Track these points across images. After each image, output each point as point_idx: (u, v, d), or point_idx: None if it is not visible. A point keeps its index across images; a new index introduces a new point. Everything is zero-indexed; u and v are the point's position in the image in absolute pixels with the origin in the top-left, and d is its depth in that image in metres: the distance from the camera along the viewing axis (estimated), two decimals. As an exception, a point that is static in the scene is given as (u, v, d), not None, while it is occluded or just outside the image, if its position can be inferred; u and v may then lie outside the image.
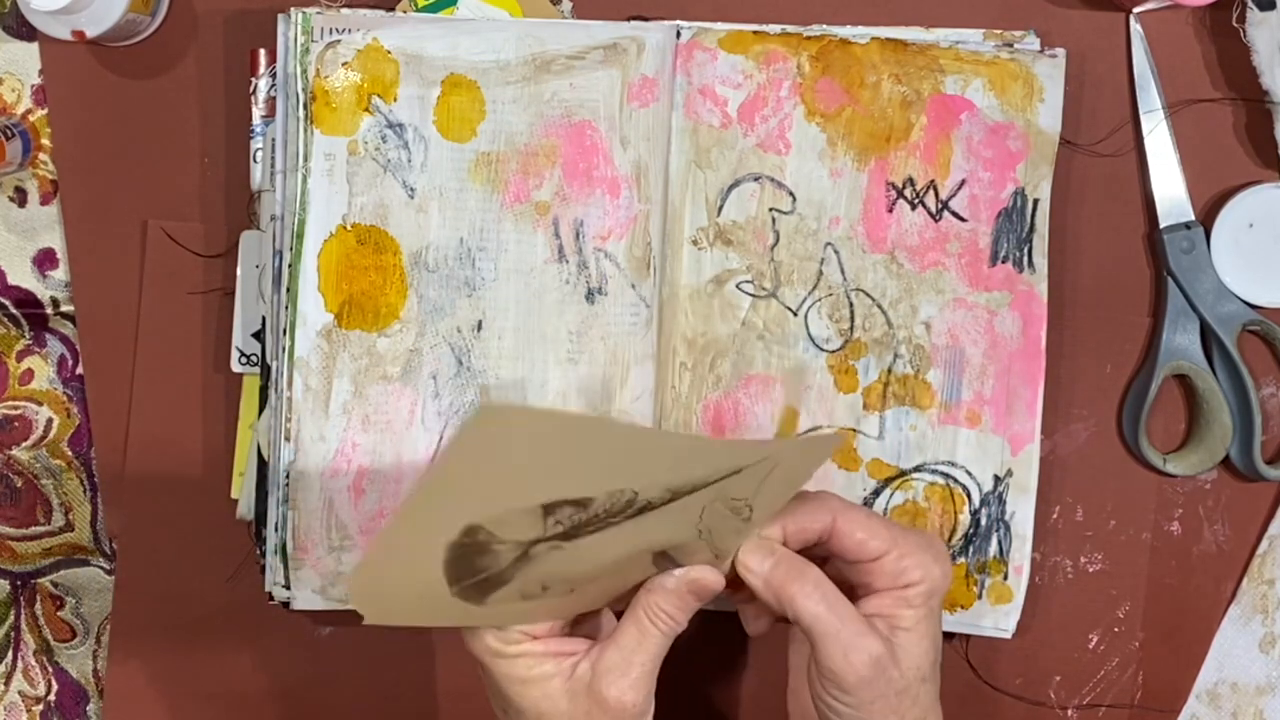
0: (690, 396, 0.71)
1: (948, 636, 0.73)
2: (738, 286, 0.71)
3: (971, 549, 0.71)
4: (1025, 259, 0.70)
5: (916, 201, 0.71)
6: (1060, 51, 0.70)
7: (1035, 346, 0.70)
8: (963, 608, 0.71)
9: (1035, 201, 0.70)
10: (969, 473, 0.71)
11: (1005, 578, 0.71)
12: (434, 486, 0.52)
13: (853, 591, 0.59)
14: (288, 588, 0.71)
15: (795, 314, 0.71)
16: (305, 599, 0.71)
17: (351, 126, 0.70)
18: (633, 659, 0.57)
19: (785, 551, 0.58)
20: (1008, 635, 0.71)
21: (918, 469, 0.71)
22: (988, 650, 0.73)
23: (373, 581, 0.54)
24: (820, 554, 0.60)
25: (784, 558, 0.58)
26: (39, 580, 0.78)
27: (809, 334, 0.71)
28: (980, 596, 0.71)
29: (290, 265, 0.70)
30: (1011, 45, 0.70)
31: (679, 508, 0.55)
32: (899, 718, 0.56)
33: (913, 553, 0.58)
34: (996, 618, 0.71)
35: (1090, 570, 0.73)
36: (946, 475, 0.71)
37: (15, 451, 0.77)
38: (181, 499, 0.75)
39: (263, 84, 0.73)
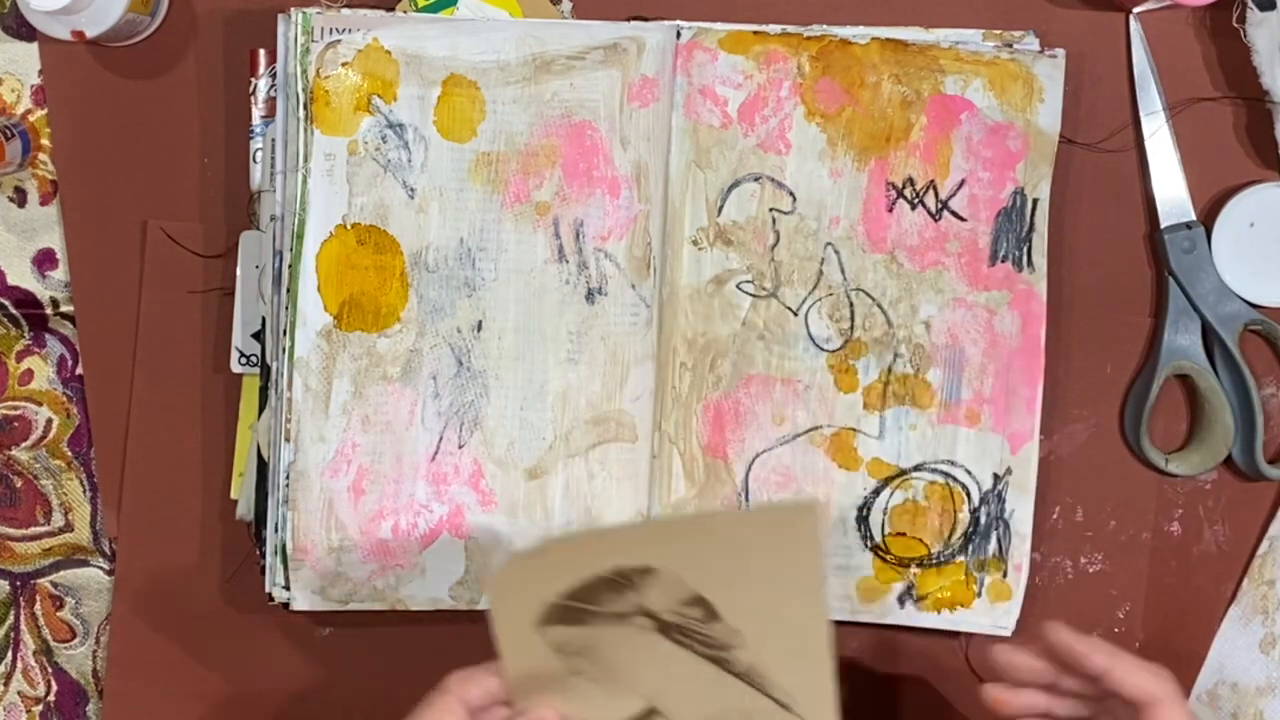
0: (690, 396, 0.71)
1: (947, 635, 0.73)
2: (738, 286, 0.71)
3: (971, 547, 0.71)
4: (1025, 258, 0.70)
5: (916, 201, 0.71)
6: (1060, 51, 0.70)
7: (1034, 345, 0.70)
8: (962, 606, 0.71)
9: (1035, 201, 0.70)
10: (968, 471, 0.71)
11: (1005, 575, 0.71)
12: (716, 522, 0.60)
13: None
14: (287, 588, 0.71)
15: (795, 314, 0.71)
16: (305, 599, 0.71)
17: (351, 126, 0.70)
18: None
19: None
20: (1007, 633, 0.71)
21: (917, 468, 0.71)
22: (988, 650, 0.73)
23: (528, 564, 0.59)
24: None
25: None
26: (39, 580, 0.78)
27: (809, 334, 0.71)
28: (980, 595, 0.71)
29: (290, 265, 0.70)
30: (1011, 45, 0.70)
31: (727, 685, 0.60)
32: None
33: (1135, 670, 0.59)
34: (996, 616, 0.71)
35: (1090, 570, 0.73)
36: (946, 474, 0.71)
37: (15, 451, 0.77)
38: (181, 499, 0.75)
39: (263, 84, 0.73)
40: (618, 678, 0.61)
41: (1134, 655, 0.59)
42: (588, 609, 0.59)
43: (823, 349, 0.71)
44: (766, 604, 0.59)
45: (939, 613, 0.71)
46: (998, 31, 0.71)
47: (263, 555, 0.71)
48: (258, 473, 0.72)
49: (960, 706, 0.74)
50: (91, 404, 0.76)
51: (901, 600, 0.71)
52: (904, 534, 0.71)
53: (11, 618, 0.78)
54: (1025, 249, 0.70)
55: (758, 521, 0.60)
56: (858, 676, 0.74)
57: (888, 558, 0.71)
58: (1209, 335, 0.72)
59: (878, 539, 0.71)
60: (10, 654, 0.79)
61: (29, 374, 0.77)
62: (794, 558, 0.58)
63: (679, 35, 0.70)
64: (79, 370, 0.76)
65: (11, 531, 0.78)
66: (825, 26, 0.71)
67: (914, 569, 0.71)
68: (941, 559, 0.71)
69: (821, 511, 0.58)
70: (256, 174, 0.73)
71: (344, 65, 0.69)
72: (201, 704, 0.76)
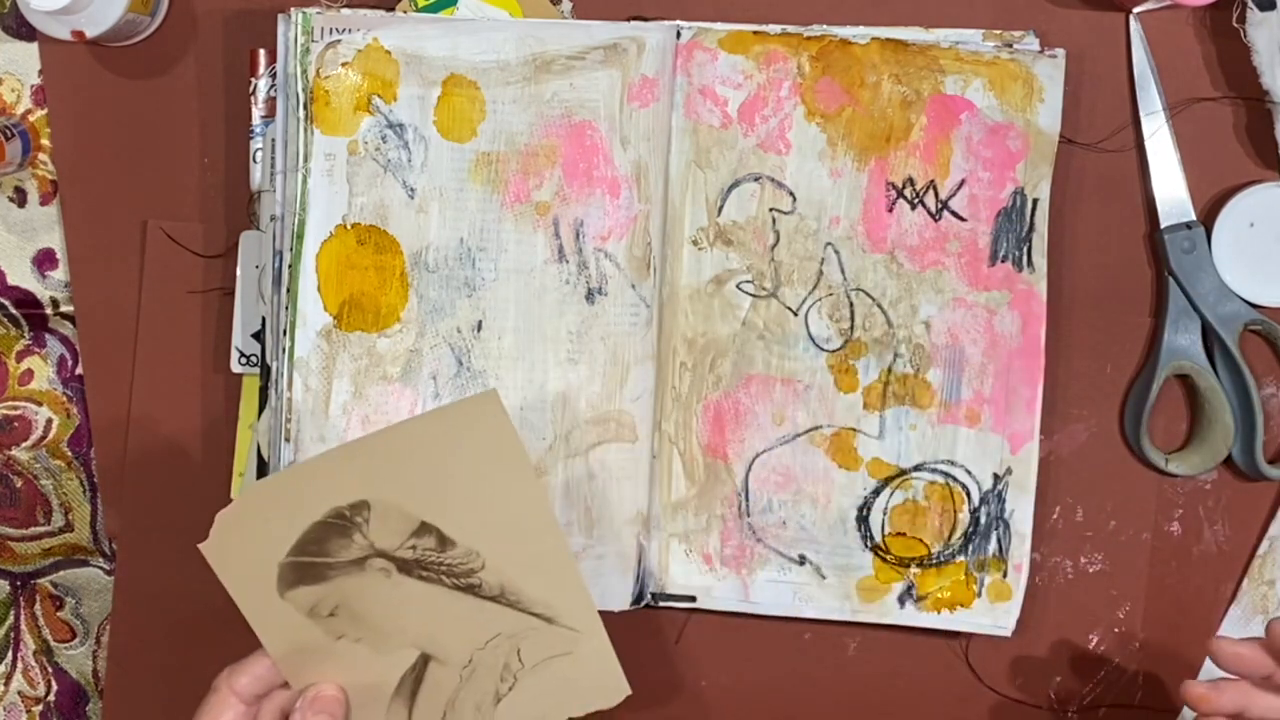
0: (690, 396, 0.71)
1: (947, 635, 0.73)
2: (738, 286, 0.71)
3: (971, 547, 0.71)
4: (1025, 258, 0.70)
5: (916, 201, 0.71)
6: (1060, 51, 0.70)
7: (1034, 345, 0.70)
8: (962, 606, 0.71)
9: (1035, 201, 0.70)
10: (968, 471, 0.71)
11: (1005, 575, 0.71)
12: (389, 438, 0.59)
13: None
14: (287, 588, 0.71)
15: (795, 314, 0.71)
16: (305, 599, 0.71)
17: (351, 126, 0.70)
18: None
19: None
20: (1007, 634, 0.71)
21: (917, 468, 0.71)
22: (988, 651, 0.73)
23: (238, 520, 0.59)
24: None
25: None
26: (39, 580, 0.78)
27: (809, 334, 0.71)
28: (980, 595, 0.71)
29: (290, 265, 0.70)
30: (1011, 45, 0.70)
31: (488, 612, 0.61)
32: None
33: None
34: (996, 616, 0.71)
35: (1090, 570, 0.73)
36: (946, 474, 0.71)
37: (15, 451, 0.77)
38: (181, 499, 0.75)
39: (263, 84, 0.73)
40: (382, 632, 0.61)
41: None
42: (321, 562, 0.60)
43: (823, 349, 0.71)
44: (488, 513, 0.59)
45: (939, 613, 0.71)
46: (998, 31, 0.71)
47: (263, 555, 0.71)
48: (258, 473, 0.72)
49: (960, 706, 0.74)
50: (91, 404, 0.76)
51: (901, 600, 0.71)
52: (904, 534, 0.71)
53: (11, 618, 0.78)
54: (1025, 249, 0.70)
55: (444, 423, 0.59)
56: (858, 676, 0.75)
57: (888, 558, 0.71)
58: (1209, 335, 0.72)
59: (878, 539, 0.71)
60: (10, 654, 0.79)
61: (29, 374, 0.77)
62: (492, 453, 0.59)
63: (679, 35, 0.70)
64: (79, 370, 0.76)
65: (11, 531, 0.78)
66: (825, 26, 0.71)
67: (914, 569, 0.71)
68: (941, 559, 0.71)
69: (499, 398, 0.58)
70: (256, 174, 0.73)
71: (344, 65, 0.69)
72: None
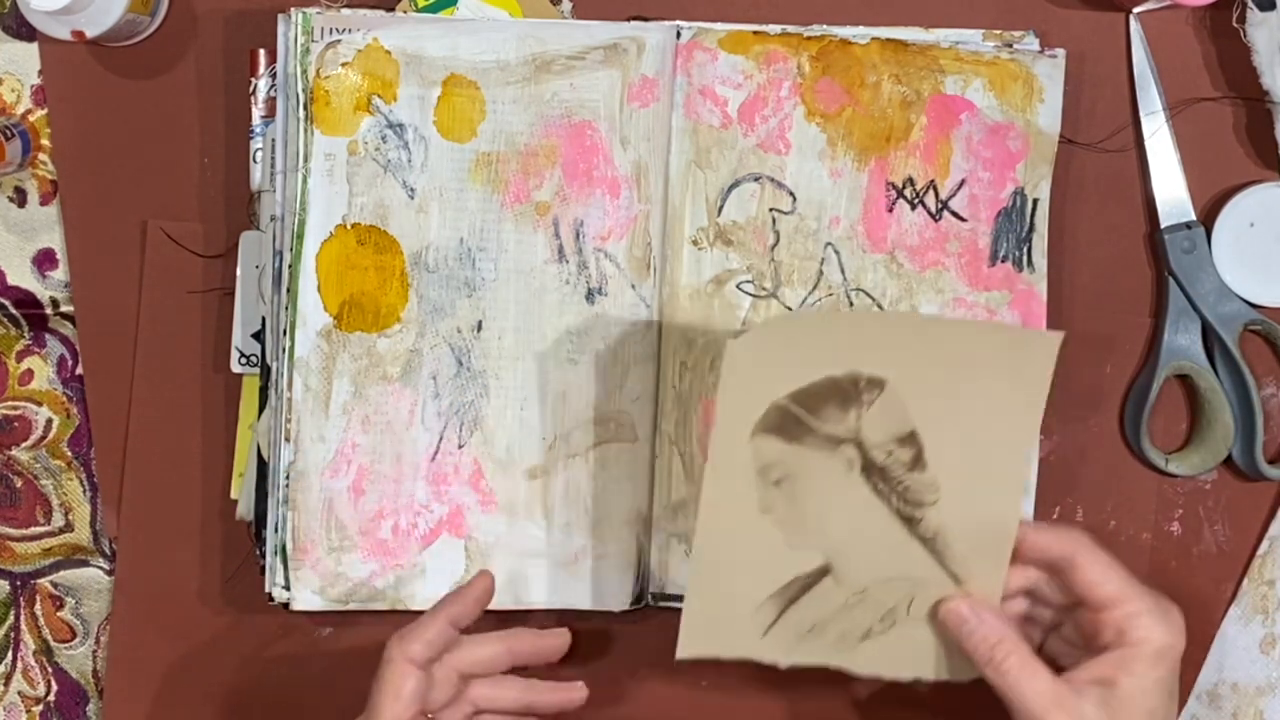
0: (690, 396, 0.71)
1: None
2: (738, 286, 0.71)
3: (972, 548, 0.71)
4: (1025, 258, 0.70)
5: (916, 201, 0.71)
6: (1060, 51, 0.70)
7: (1035, 346, 0.70)
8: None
9: (1035, 201, 0.70)
10: (969, 472, 0.70)
11: (1006, 576, 0.71)
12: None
13: (1075, 653, 0.60)
14: (288, 588, 0.71)
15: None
16: (305, 599, 0.71)
17: (351, 126, 0.70)
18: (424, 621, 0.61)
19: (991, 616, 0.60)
20: (1008, 635, 0.71)
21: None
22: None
23: (772, 337, 0.58)
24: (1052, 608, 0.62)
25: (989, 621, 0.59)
26: (39, 580, 0.78)
27: (809, 334, 0.71)
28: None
29: (290, 265, 0.70)
30: (1011, 45, 0.70)
31: (910, 551, 0.60)
32: None
33: (1142, 612, 0.57)
34: (997, 617, 0.71)
35: (1090, 570, 0.73)
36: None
37: (15, 451, 0.77)
38: (181, 499, 0.75)
39: (263, 84, 0.73)
40: (806, 524, 0.60)
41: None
42: (806, 421, 0.58)
43: (823, 349, 0.71)
44: (976, 455, 0.58)
45: (939, 613, 0.71)
46: (998, 31, 0.71)
47: (263, 555, 0.71)
48: (258, 473, 0.72)
49: (960, 706, 0.74)
50: (91, 404, 0.76)
51: (902, 600, 0.71)
52: (904, 534, 0.71)
53: (11, 618, 0.78)
54: (1025, 249, 0.70)
55: (997, 342, 0.58)
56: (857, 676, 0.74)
57: (888, 558, 0.71)
58: (1209, 335, 0.72)
59: (878, 539, 0.71)
60: (10, 654, 0.79)
61: (29, 374, 0.77)
62: (1017, 395, 0.57)
63: (679, 35, 0.70)
64: (79, 370, 0.76)
65: (11, 531, 0.78)
66: (825, 26, 0.71)
67: (914, 569, 0.71)
68: (941, 559, 0.71)
69: (1058, 345, 0.57)
70: (256, 174, 0.73)
71: (344, 65, 0.69)
72: (201, 704, 0.76)
